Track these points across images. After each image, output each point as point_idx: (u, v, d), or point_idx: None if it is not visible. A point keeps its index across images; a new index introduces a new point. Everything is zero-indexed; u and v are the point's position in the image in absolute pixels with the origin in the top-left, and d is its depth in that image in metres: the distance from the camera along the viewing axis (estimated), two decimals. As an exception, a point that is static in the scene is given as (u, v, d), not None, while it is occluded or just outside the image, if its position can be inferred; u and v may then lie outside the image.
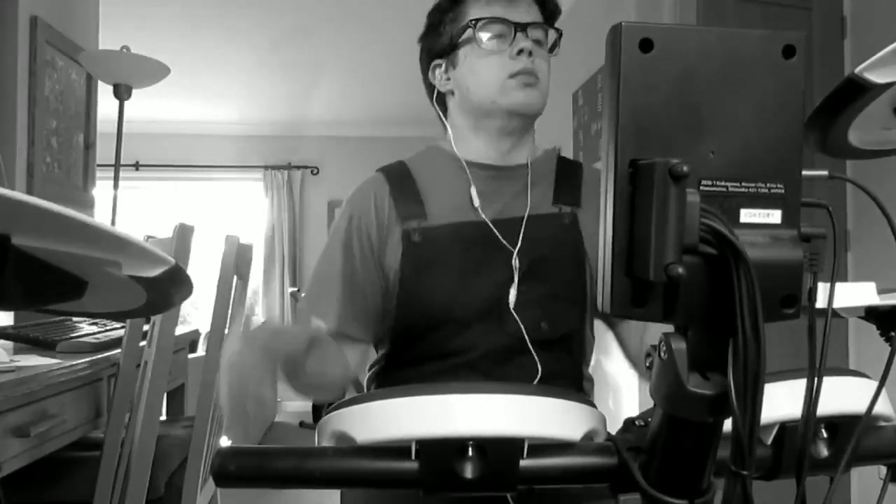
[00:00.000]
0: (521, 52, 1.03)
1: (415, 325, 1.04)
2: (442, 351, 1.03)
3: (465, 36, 1.07)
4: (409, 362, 1.06)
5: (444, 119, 1.16)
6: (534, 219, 1.06)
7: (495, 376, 1.01)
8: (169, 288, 0.46)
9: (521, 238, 1.04)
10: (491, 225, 1.04)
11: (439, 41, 1.11)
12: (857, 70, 0.48)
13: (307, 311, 1.09)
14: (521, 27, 1.04)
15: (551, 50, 1.11)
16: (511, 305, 1.02)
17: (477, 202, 1.06)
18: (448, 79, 1.11)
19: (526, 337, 1.01)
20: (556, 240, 1.07)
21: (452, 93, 1.12)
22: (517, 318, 1.01)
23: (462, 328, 1.02)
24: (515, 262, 1.03)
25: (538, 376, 1.02)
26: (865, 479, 2.32)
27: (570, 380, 1.10)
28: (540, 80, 1.06)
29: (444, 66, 1.11)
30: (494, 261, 1.04)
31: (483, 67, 1.06)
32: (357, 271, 1.06)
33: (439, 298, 1.02)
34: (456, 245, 1.04)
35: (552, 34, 1.10)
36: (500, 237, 1.04)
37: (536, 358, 1.02)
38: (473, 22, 1.05)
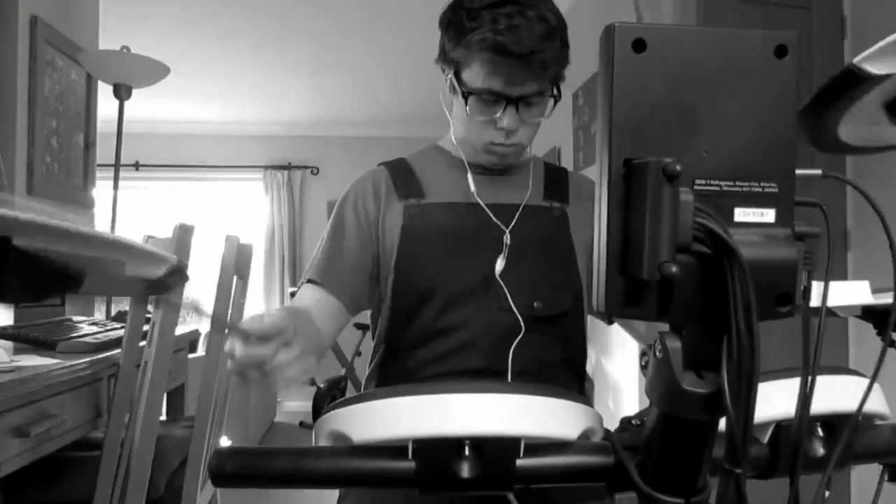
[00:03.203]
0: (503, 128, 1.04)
1: (412, 297, 1.06)
2: (439, 326, 1.05)
3: (459, 93, 1.05)
4: (408, 342, 1.07)
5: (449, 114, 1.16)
6: (527, 208, 1.11)
7: (495, 357, 1.03)
8: (168, 279, 0.47)
9: (515, 221, 1.08)
10: (484, 205, 1.09)
11: (445, 53, 1.08)
12: (855, 60, 0.48)
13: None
14: (513, 101, 1.02)
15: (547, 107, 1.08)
16: (497, 273, 1.04)
17: (473, 188, 1.10)
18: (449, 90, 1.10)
19: (519, 316, 1.03)
20: (547, 228, 1.12)
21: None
22: (504, 287, 1.04)
23: (457, 301, 1.05)
24: (507, 239, 1.06)
25: (516, 361, 1.03)
26: (865, 479, 2.32)
27: (571, 369, 1.12)
28: (518, 146, 1.08)
29: (446, 77, 1.09)
30: (486, 239, 1.07)
31: (469, 124, 1.07)
32: (346, 236, 1.11)
33: (435, 267, 1.06)
34: (452, 220, 1.09)
35: (549, 99, 1.06)
36: (492, 216, 1.08)
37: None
38: (467, 92, 1.03)
